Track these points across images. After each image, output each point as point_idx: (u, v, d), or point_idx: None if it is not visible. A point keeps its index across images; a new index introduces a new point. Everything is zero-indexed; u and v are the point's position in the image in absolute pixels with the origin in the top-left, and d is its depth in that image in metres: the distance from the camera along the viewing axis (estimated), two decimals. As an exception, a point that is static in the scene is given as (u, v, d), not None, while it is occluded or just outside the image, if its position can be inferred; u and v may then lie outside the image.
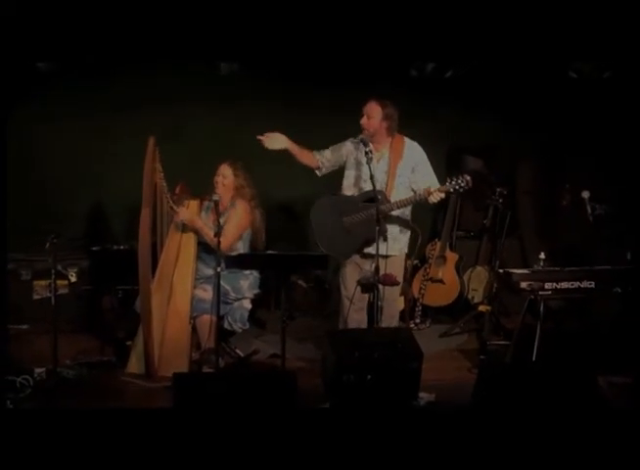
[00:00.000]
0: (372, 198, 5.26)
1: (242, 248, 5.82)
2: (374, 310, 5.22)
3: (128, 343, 5.71)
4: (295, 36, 6.76)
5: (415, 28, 6.70)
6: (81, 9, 6.41)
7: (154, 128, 6.22)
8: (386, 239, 5.20)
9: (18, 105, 7.02)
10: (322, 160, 5.68)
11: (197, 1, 6.47)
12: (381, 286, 5.23)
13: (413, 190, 5.50)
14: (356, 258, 5.54)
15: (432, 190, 5.36)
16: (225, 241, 5.43)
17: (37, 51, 6.89)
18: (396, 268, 5.49)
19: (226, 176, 5.81)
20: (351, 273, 5.56)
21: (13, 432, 3.93)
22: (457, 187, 5.34)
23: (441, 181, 5.48)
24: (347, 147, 5.64)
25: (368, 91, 5.86)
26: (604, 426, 4.00)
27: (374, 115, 5.46)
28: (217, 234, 5.25)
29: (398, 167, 5.48)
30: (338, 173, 5.75)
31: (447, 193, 5.46)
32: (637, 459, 3.76)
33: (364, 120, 5.48)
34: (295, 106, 7.41)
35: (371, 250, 5.39)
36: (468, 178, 5.32)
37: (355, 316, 5.49)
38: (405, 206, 5.48)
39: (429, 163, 5.59)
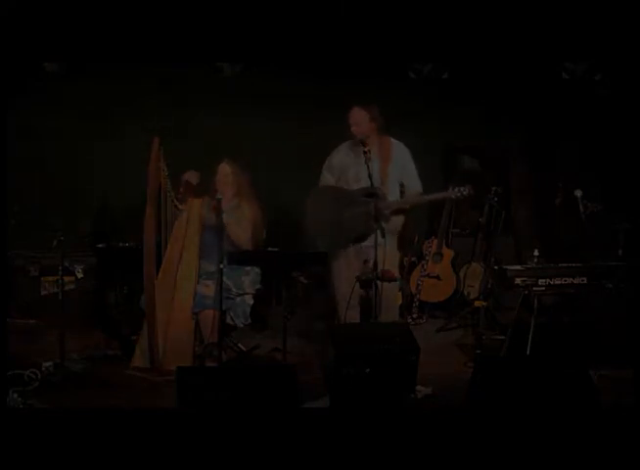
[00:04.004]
0: (371, 193, 5.33)
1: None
2: (372, 305, 5.30)
3: (133, 337, 5.77)
4: (295, 37, 6.82)
5: (412, 29, 6.75)
6: (84, 9, 6.48)
7: (157, 128, 6.33)
8: (383, 235, 5.27)
9: (23, 104, 7.10)
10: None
11: (199, 2, 6.55)
12: (379, 281, 5.32)
13: (401, 190, 5.60)
14: (347, 253, 5.60)
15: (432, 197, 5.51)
16: (243, 237, 5.67)
17: (42, 51, 6.95)
18: (389, 265, 5.54)
19: (226, 175, 5.88)
20: (343, 270, 5.63)
21: (17, 429, 3.95)
22: (459, 195, 5.47)
23: (434, 181, 5.60)
24: (335, 159, 5.71)
25: (367, 91, 5.94)
26: (597, 418, 4.07)
27: (360, 120, 5.53)
28: (220, 232, 5.37)
29: (389, 168, 5.56)
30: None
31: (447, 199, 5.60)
32: (630, 452, 3.77)
33: (353, 128, 5.54)
34: (295, 106, 7.50)
35: (364, 246, 5.51)
36: (470, 189, 5.44)
37: (351, 313, 5.53)
38: (403, 205, 5.58)
39: (413, 162, 5.68)
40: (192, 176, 5.83)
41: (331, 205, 5.57)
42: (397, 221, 5.66)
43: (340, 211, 5.54)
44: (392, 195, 5.58)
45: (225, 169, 5.89)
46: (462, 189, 5.46)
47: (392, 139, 5.66)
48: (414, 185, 5.65)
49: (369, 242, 5.35)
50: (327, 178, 5.76)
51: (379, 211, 5.27)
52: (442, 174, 7.78)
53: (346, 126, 5.57)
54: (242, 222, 5.77)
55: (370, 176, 5.28)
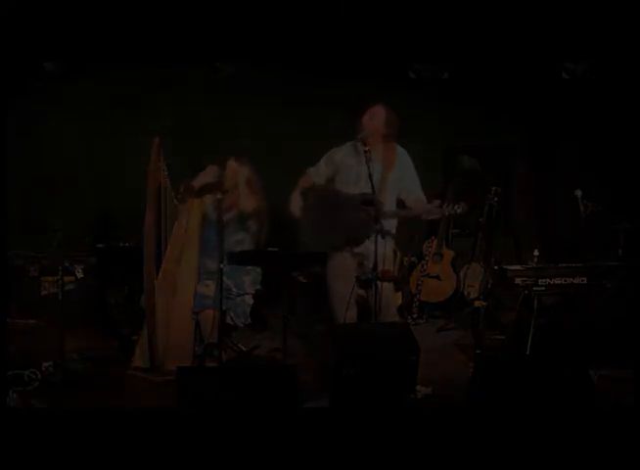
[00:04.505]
0: (369, 201, 5.29)
1: (247, 241, 5.93)
2: (371, 306, 5.32)
3: (133, 337, 5.77)
4: (295, 37, 6.84)
5: (412, 29, 6.77)
6: (84, 9, 6.49)
7: (157, 128, 6.33)
8: (384, 237, 5.26)
9: (23, 104, 7.12)
10: (317, 179, 5.71)
11: (199, 2, 6.56)
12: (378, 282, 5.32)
13: (401, 198, 5.58)
14: (344, 255, 5.56)
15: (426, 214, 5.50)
16: (250, 203, 5.82)
17: (42, 51, 6.97)
18: (387, 265, 5.52)
19: (234, 172, 5.90)
20: (340, 270, 5.57)
21: (17, 429, 3.98)
22: (452, 212, 5.43)
23: (434, 181, 5.59)
24: (338, 155, 5.65)
25: (367, 91, 5.92)
26: (597, 418, 4.09)
27: (377, 117, 5.48)
28: (220, 231, 5.37)
29: (390, 174, 5.50)
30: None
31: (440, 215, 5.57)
32: (630, 452, 3.78)
33: (366, 119, 5.49)
34: (295, 106, 7.51)
35: (360, 249, 5.49)
36: (465, 207, 5.41)
37: (349, 313, 5.49)
38: (396, 217, 5.57)
39: (415, 171, 5.64)
40: (211, 171, 5.85)
41: (328, 207, 5.55)
42: (393, 223, 5.66)
43: (337, 214, 5.53)
44: (390, 204, 5.54)
45: (233, 166, 5.91)
46: (456, 207, 5.43)
47: (398, 146, 5.62)
48: (416, 194, 5.62)
49: (366, 245, 5.35)
50: (321, 170, 5.69)
51: (377, 216, 5.25)
52: (442, 174, 7.79)
53: (357, 121, 5.52)
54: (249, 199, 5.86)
55: (370, 177, 5.23)
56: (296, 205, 5.67)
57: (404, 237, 6.37)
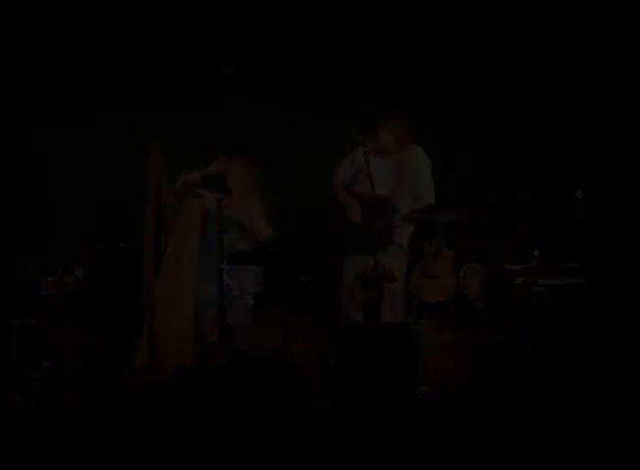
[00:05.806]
0: (383, 204, 5.35)
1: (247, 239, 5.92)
2: (372, 306, 5.34)
3: (133, 338, 5.77)
4: (295, 37, 6.85)
5: (412, 29, 6.78)
6: (83, 9, 6.51)
7: (157, 128, 6.35)
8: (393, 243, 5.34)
9: (22, 104, 7.12)
10: (344, 177, 5.77)
11: (199, 2, 6.57)
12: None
13: (416, 197, 5.61)
14: (363, 257, 5.55)
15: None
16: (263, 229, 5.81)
17: (41, 51, 6.97)
18: (395, 263, 5.57)
19: (236, 171, 5.91)
20: (353, 269, 5.62)
21: (17, 430, 4.04)
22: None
23: (434, 182, 5.62)
24: (359, 157, 5.64)
25: (367, 91, 5.91)
26: (596, 418, 4.11)
27: (391, 128, 5.53)
28: (221, 231, 5.37)
29: (405, 176, 5.55)
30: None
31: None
32: (630, 452, 3.81)
33: (382, 134, 5.54)
34: (295, 106, 7.51)
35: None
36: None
37: (354, 311, 5.56)
38: (411, 220, 5.59)
39: (431, 175, 5.67)
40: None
41: (353, 209, 5.61)
42: (407, 232, 5.68)
43: (360, 216, 5.56)
44: (405, 205, 5.57)
45: (235, 167, 5.92)
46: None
47: (419, 149, 5.66)
48: (427, 197, 5.64)
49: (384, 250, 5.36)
50: (346, 169, 5.74)
51: (391, 221, 5.34)
52: (443, 175, 7.78)
53: (373, 136, 5.57)
54: (256, 215, 5.85)
55: (370, 177, 5.24)
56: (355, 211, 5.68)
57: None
